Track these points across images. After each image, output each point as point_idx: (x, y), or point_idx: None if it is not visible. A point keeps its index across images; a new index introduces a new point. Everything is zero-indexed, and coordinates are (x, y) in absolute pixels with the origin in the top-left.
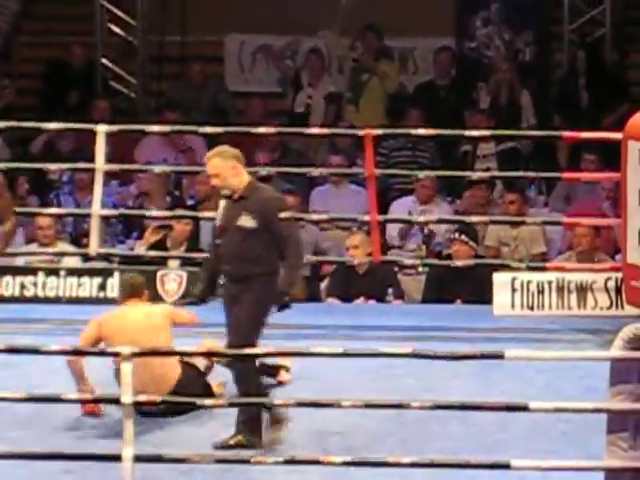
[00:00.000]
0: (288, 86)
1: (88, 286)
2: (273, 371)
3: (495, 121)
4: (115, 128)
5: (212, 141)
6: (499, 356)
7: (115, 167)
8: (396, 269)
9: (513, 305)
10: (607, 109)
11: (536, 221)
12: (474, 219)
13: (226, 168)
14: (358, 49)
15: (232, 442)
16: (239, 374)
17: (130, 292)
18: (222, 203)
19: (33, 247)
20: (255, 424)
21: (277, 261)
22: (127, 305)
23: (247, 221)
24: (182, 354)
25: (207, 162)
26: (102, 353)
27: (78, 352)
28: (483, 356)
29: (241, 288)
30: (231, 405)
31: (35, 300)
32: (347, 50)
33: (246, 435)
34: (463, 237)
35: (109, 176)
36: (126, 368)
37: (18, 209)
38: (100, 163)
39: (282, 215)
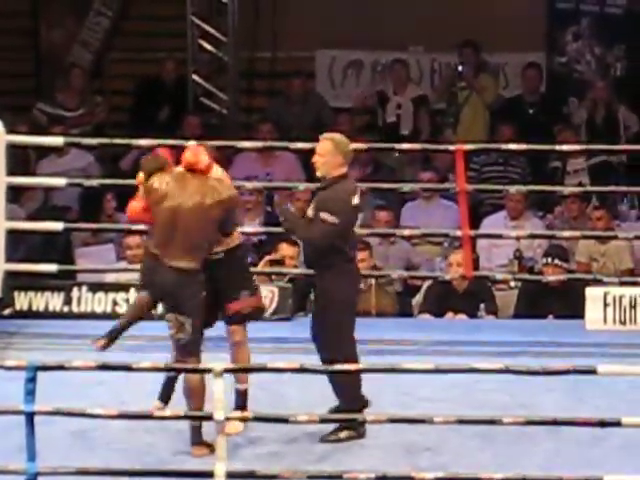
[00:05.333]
0: (376, 102)
1: None
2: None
3: (590, 137)
4: (206, 144)
5: (304, 156)
6: (592, 371)
7: None
8: (489, 284)
9: (605, 320)
10: None
11: (628, 236)
12: (565, 234)
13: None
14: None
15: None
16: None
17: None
18: None
19: (123, 265)
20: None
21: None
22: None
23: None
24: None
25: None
26: (194, 370)
27: (171, 369)
28: (575, 371)
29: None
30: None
31: None
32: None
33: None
34: (557, 262)
35: None
36: (218, 385)
37: (107, 226)
38: None
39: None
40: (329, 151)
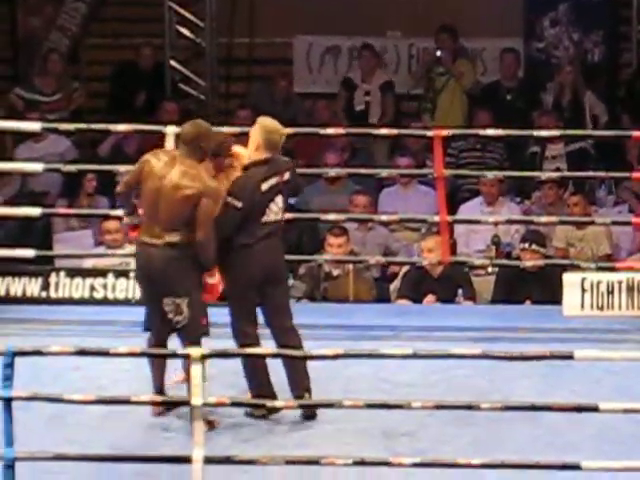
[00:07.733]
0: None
1: None
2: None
3: (560, 122)
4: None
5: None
6: (569, 357)
7: None
8: (466, 270)
9: (583, 305)
10: None
11: (605, 221)
12: (543, 220)
13: None
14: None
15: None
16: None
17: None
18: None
19: (101, 250)
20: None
21: None
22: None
23: None
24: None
25: None
26: (173, 355)
27: (147, 354)
28: (553, 356)
29: None
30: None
31: (105, 302)
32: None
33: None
34: (534, 247)
35: None
36: (196, 370)
37: (87, 211)
38: None
39: None
40: (253, 135)
